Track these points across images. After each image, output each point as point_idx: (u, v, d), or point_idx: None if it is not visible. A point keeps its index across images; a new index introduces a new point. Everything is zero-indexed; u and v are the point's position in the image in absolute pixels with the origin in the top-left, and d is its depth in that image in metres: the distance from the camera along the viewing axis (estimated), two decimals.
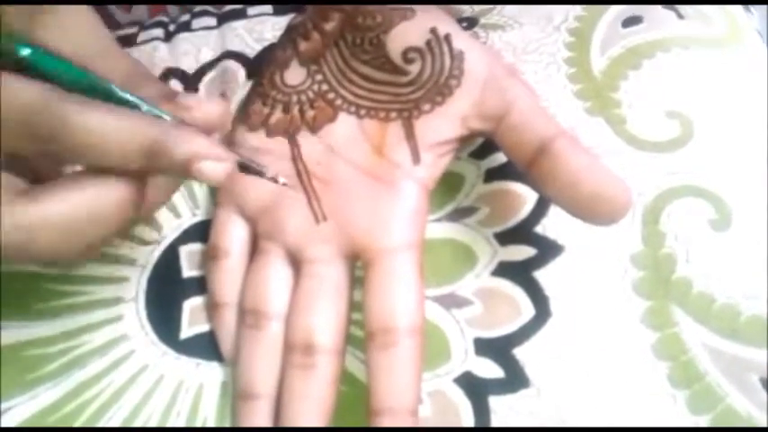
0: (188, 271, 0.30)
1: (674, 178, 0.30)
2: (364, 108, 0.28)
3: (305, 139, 0.28)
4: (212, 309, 0.29)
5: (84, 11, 0.23)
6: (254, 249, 0.28)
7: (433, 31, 0.27)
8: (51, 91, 0.19)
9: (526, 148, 0.25)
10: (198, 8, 0.39)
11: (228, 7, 0.39)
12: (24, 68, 0.20)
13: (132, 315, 0.29)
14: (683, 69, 0.34)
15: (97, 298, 0.29)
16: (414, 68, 0.27)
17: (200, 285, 0.30)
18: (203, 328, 0.29)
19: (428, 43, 0.27)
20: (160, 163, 0.20)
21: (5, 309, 0.29)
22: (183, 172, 0.20)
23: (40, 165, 0.23)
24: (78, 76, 0.20)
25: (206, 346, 0.28)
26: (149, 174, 0.21)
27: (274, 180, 0.23)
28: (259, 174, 0.23)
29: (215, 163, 0.20)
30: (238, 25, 0.38)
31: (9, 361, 0.28)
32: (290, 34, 0.30)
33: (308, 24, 0.30)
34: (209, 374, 0.28)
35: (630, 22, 0.35)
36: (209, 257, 0.29)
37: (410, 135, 0.27)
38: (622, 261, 0.29)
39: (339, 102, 0.28)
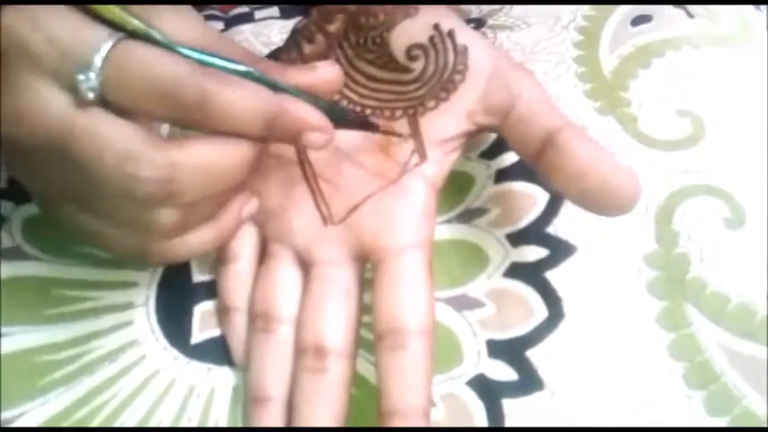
0: (198, 275, 0.30)
1: (687, 177, 0.30)
2: (370, 108, 0.28)
3: None
4: (223, 313, 0.28)
5: (188, 10, 0.25)
6: (264, 253, 0.28)
7: (437, 27, 0.27)
8: (192, 64, 0.22)
9: (533, 140, 0.25)
10: (205, 12, 0.39)
11: (236, 11, 0.39)
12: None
13: (142, 320, 0.29)
14: (694, 68, 0.34)
15: (107, 303, 0.29)
16: (418, 65, 0.27)
17: (211, 290, 0.29)
18: (214, 332, 0.29)
19: (431, 39, 0.27)
20: (275, 132, 0.23)
21: (15, 315, 0.29)
22: (293, 140, 0.24)
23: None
24: (207, 56, 0.22)
25: (217, 351, 0.28)
26: (267, 140, 0.24)
27: (388, 132, 0.27)
28: (371, 128, 0.26)
29: (321, 134, 0.24)
30: (245, 29, 0.38)
31: (19, 367, 0.28)
32: (294, 37, 0.30)
33: (311, 27, 0.29)
34: (221, 379, 0.28)
35: (640, 20, 0.35)
36: (219, 262, 0.29)
37: (416, 133, 0.27)
38: (636, 261, 0.28)
39: (344, 102, 0.28)
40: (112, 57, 0.21)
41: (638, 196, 0.24)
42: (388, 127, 0.27)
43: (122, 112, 0.22)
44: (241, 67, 0.23)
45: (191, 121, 0.22)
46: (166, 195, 0.22)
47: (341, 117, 0.25)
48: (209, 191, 0.23)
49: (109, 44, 0.21)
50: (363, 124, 0.26)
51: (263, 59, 0.25)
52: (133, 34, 0.21)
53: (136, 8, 0.22)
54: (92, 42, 0.21)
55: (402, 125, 0.27)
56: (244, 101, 0.22)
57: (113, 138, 0.21)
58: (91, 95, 0.21)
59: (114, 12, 0.21)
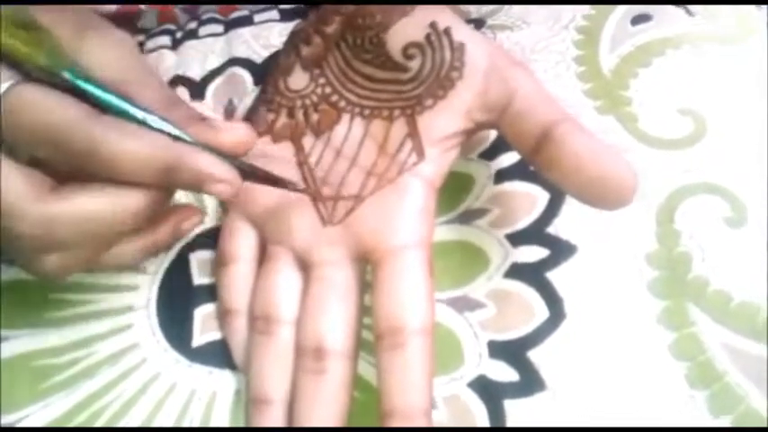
0: (199, 278, 0.30)
1: (688, 176, 0.30)
2: (368, 108, 0.28)
3: (310, 142, 0.28)
4: (223, 316, 0.28)
5: (125, 38, 0.25)
6: (263, 255, 0.28)
7: (433, 24, 0.26)
8: (86, 111, 0.21)
9: (530, 135, 0.25)
10: (205, 15, 0.39)
11: (235, 14, 0.39)
12: (63, 87, 0.22)
13: (143, 323, 0.29)
14: (694, 66, 0.33)
15: (107, 307, 0.29)
16: (414, 64, 0.27)
17: (211, 292, 0.29)
18: (215, 335, 0.29)
19: (428, 37, 0.26)
20: (175, 182, 0.23)
21: (15, 318, 0.29)
22: (196, 191, 0.23)
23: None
24: (110, 99, 0.22)
25: (218, 354, 0.28)
26: (169, 188, 0.23)
27: (288, 185, 0.25)
28: (279, 185, 0.25)
29: (224, 184, 0.23)
30: (245, 32, 0.38)
31: (20, 371, 0.28)
32: (292, 40, 0.30)
33: (309, 29, 0.29)
34: (222, 382, 0.28)
35: (640, 19, 0.35)
36: (219, 264, 0.29)
37: (413, 132, 0.27)
38: (637, 260, 0.28)
39: (342, 104, 0.28)
40: (6, 100, 0.21)
41: (636, 188, 0.23)
42: (299, 186, 0.26)
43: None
44: (144, 115, 0.22)
45: (84, 169, 0.22)
46: (45, 248, 0.22)
47: (248, 173, 0.24)
48: (96, 239, 0.23)
49: (3, 87, 0.21)
50: (272, 180, 0.25)
51: (179, 105, 0.24)
52: (42, 72, 0.21)
53: (65, 34, 0.22)
54: None
55: (400, 124, 0.27)
56: (136, 151, 0.22)
57: None
58: None
59: (20, 49, 0.21)
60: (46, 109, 0.21)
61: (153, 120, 0.22)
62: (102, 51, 0.23)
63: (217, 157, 0.23)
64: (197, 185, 0.23)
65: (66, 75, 0.21)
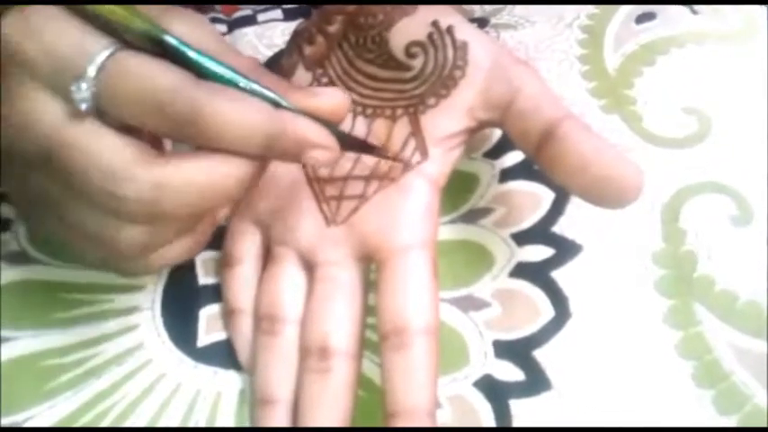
0: (204, 278, 0.30)
1: (693, 174, 0.30)
2: (371, 107, 0.28)
3: None
4: (228, 316, 0.28)
5: (203, 18, 0.24)
6: (268, 255, 0.28)
7: (435, 23, 0.26)
8: (187, 77, 0.21)
9: (533, 133, 0.25)
10: (208, 15, 0.39)
11: (239, 13, 0.39)
12: (161, 55, 0.21)
13: (149, 323, 0.29)
14: (698, 65, 0.33)
15: (113, 307, 0.29)
16: (417, 63, 0.27)
17: (217, 293, 0.29)
18: (220, 335, 0.29)
19: (430, 36, 0.26)
20: (276, 149, 0.22)
21: (22, 319, 0.29)
22: (295, 159, 0.22)
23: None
24: (212, 65, 0.21)
25: (223, 354, 0.28)
26: (267, 158, 0.23)
27: (381, 152, 0.25)
28: (371, 151, 0.25)
29: (323, 151, 0.22)
30: (249, 31, 0.38)
31: (26, 371, 0.28)
32: (294, 40, 0.30)
33: (311, 29, 0.29)
34: (227, 382, 0.28)
35: (644, 18, 0.35)
36: (224, 265, 0.29)
37: (416, 131, 0.27)
38: (643, 260, 0.28)
39: None
40: (107, 67, 0.20)
41: (641, 187, 0.23)
42: (392, 152, 0.26)
43: (123, 124, 0.21)
44: (244, 81, 0.22)
45: (185, 135, 0.21)
46: (149, 216, 0.21)
47: (342, 140, 0.23)
48: (195, 211, 0.22)
49: (104, 54, 0.20)
50: (364, 147, 0.25)
51: (270, 74, 0.23)
52: (139, 38, 0.21)
53: (145, 14, 0.22)
54: (87, 52, 0.20)
55: (403, 123, 0.27)
56: (241, 117, 0.21)
57: (100, 154, 0.20)
58: (83, 106, 0.20)
59: (119, 13, 0.20)
60: (148, 75, 0.20)
61: (253, 86, 0.22)
62: (189, 27, 0.23)
63: (316, 123, 0.22)
64: (297, 153, 0.22)
65: (169, 39, 0.21)
